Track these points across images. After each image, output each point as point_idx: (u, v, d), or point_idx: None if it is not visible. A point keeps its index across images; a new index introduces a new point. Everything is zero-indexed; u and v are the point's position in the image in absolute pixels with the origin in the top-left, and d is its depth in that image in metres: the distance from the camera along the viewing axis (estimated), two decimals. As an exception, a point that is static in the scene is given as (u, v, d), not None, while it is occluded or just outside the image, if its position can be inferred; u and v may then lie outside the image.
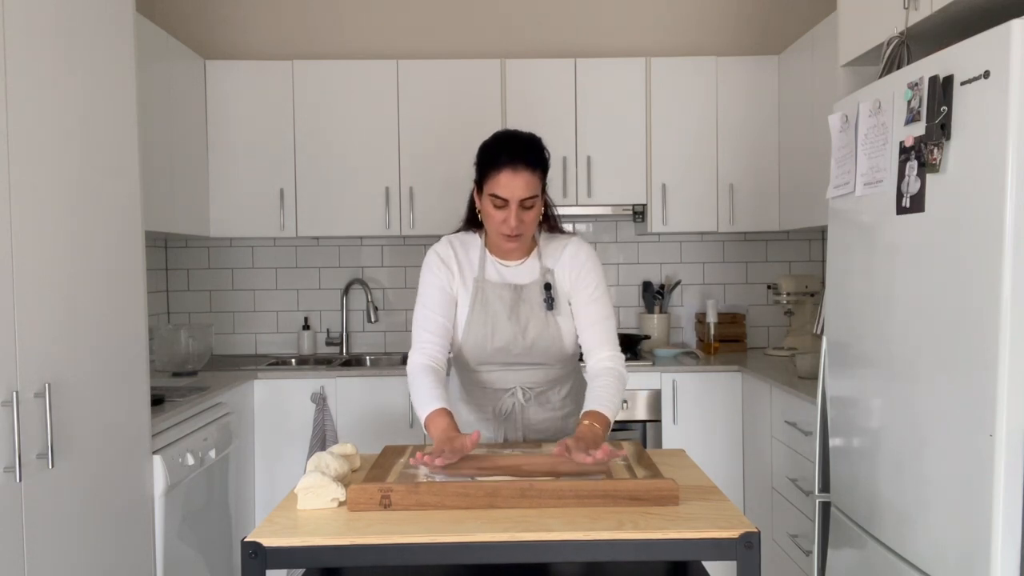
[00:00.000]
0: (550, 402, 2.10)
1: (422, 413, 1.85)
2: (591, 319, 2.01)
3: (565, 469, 1.65)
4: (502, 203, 1.90)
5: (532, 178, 1.90)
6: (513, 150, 1.91)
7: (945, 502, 1.79)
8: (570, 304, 2.03)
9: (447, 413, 1.82)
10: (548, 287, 2.00)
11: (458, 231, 2.11)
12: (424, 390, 1.88)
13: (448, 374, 2.06)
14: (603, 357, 1.99)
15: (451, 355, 2.10)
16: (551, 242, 2.07)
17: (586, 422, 1.81)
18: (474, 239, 2.07)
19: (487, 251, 2.05)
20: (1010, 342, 1.60)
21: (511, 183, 1.89)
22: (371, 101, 3.72)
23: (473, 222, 2.08)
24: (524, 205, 1.91)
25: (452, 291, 2.02)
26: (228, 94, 3.72)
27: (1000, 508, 1.62)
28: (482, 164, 1.96)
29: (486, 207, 1.94)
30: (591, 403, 1.89)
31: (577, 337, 2.04)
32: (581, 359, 2.16)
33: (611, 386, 1.92)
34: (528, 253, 2.06)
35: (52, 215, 1.92)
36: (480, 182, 1.97)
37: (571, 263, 2.02)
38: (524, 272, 2.04)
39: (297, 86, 3.72)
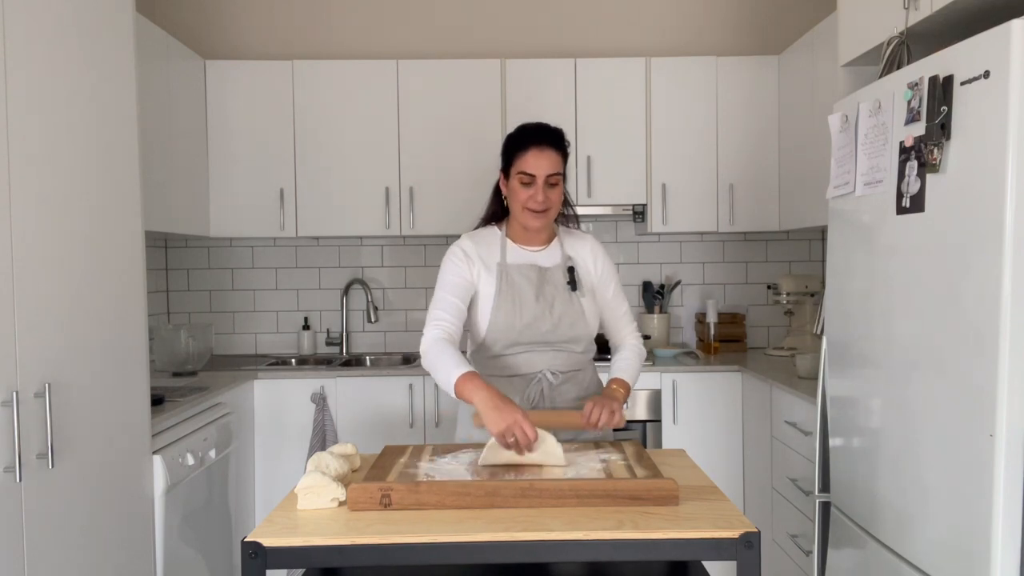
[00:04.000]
0: (580, 385, 2.16)
1: (451, 378, 1.87)
2: (617, 314, 2.21)
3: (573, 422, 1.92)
4: (529, 179, 2.05)
5: (556, 157, 2.07)
6: (540, 133, 2.09)
7: (945, 502, 1.79)
8: (594, 295, 2.17)
9: (478, 375, 1.86)
10: (571, 270, 2.12)
11: (477, 228, 2.23)
12: (447, 358, 1.92)
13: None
14: (627, 334, 2.22)
15: (473, 349, 2.17)
16: (570, 236, 2.21)
17: (613, 386, 2.07)
18: (493, 231, 2.19)
19: (508, 240, 2.16)
20: (1010, 342, 1.60)
21: (538, 160, 2.05)
22: (371, 101, 3.72)
23: (494, 217, 2.21)
24: (549, 182, 2.05)
25: (472, 280, 2.10)
26: (228, 94, 3.72)
27: (1000, 508, 1.62)
28: (509, 148, 2.11)
29: (514, 188, 2.08)
30: (616, 371, 2.13)
31: (596, 320, 2.17)
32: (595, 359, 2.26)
33: (632, 359, 2.16)
34: (549, 241, 2.18)
35: (52, 215, 1.92)
36: (507, 166, 2.11)
37: (594, 261, 2.18)
38: (546, 256, 2.16)
39: (297, 86, 3.72)
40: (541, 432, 1.75)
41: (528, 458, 1.74)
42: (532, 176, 2.04)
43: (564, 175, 2.10)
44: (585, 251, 2.18)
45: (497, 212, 2.21)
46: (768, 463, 3.20)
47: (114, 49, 2.23)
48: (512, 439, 1.72)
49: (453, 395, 1.89)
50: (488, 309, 2.09)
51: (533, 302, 2.08)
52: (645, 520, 1.46)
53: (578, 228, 2.27)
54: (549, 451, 1.76)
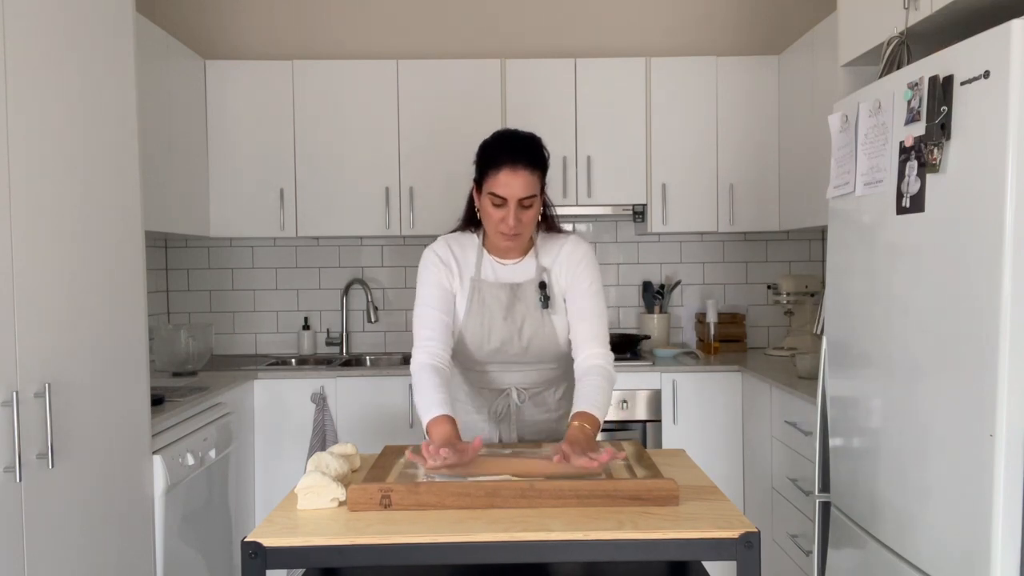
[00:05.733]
0: (545, 403, 2.11)
1: (425, 417, 1.82)
2: (584, 314, 1.99)
3: (563, 472, 1.63)
4: (501, 202, 1.90)
5: (531, 178, 1.90)
6: (513, 150, 1.91)
7: (945, 502, 1.79)
8: (565, 301, 2.02)
9: (450, 420, 1.79)
10: (543, 286, 2.00)
11: (455, 231, 2.11)
12: (428, 393, 1.85)
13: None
14: (592, 354, 1.95)
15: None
16: (549, 241, 2.06)
17: (576, 423, 1.80)
18: (471, 239, 2.07)
19: (484, 250, 2.05)
20: (1010, 342, 1.60)
21: (510, 183, 1.88)
22: (371, 101, 3.72)
23: (471, 221, 2.07)
24: (523, 204, 1.91)
25: (451, 288, 2.01)
26: (228, 94, 3.72)
27: (1000, 508, 1.62)
28: (482, 163, 1.96)
29: (485, 206, 1.94)
30: (581, 403, 1.86)
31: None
32: None
33: (600, 386, 1.89)
34: (525, 252, 2.05)
35: (52, 215, 1.92)
36: (479, 181, 1.97)
37: (568, 260, 2.02)
38: (520, 271, 2.03)
39: (297, 86, 3.72)
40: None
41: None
42: (504, 199, 1.89)
43: (543, 186, 1.96)
44: (563, 254, 2.03)
45: (472, 220, 2.06)
46: (768, 463, 3.20)
47: (114, 49, 2.23)
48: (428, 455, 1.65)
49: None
50: (459, 321, 2.01)
51: (501, 324, 1.98)
52: (645, 520, 1.46)
53: (559, 231, 2.09)
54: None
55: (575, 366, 1.98)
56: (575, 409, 1.86)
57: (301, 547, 1.42)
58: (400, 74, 3.72)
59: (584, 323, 1.98)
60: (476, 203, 2.00)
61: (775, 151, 3.75)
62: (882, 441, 2.05)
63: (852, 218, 2.23)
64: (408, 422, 3.46)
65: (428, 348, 1.94)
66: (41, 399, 1.83)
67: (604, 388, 1.89)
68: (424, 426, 1.82)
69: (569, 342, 2.02)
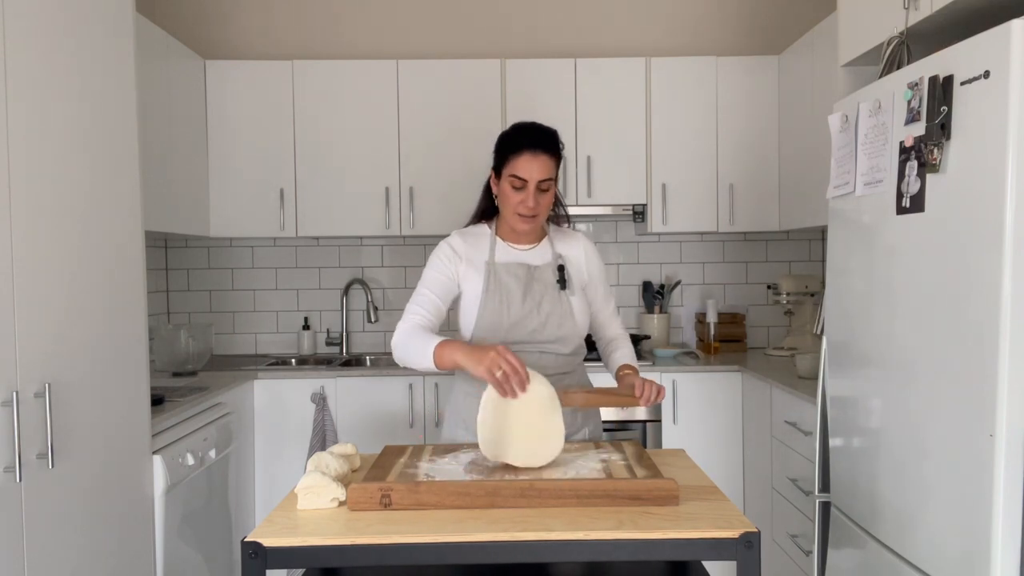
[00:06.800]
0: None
1: (427, 349, 1.88)
2: (606, 316, 2.23)
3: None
4: (521, 184, 2.01)
5: (550, 162, 2.03)
6: (534, 136, 2.04)
7: (945, 502, 1.79)
8: (584, 294, 2.15)
9: (455, 340, 1.88)
10: (561, 268, 2.10)
11: (467, 225, 2.20)
12: (421, 337, 1.93)
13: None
14: (616, 327, 2.24)
15: None
16: (560, 234, 2.19)
17: (628, 371, 2.08)
18: (484, 229, 2.16)
19: (497, 238, 2.14)
20: (1010, 342, 1.60)
21: (531, 164, 2.00)
22: (371, 101, 3.72)
23: (485, 214, 2.18)
24: (541, 187, 2.02)
25: (456, 280, 2.09)
26: (228, 94, 3.72)
27: (1000, 508, 1.62)
28: (502, 149, 2.07)
29: (504, 190, 2.04)
30: (623, 359, 2.15)
31: (586, 320, 2.16)
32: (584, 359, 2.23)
33: (631, 349, 2.20)
34: (539, 240, 2.16)
35: (52, 215, 1.92)
36: (499, 166, 2.07)
37: (586, 260, 2.17)
38: (536, 255, 2.13)
39: (297, 86, 3.72)
40: (531, 373, 1.74)
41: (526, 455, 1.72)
42: (524, 181, 2.00)
43: (556, 178, 2.07)
44: (577, 250, 2.16)
45: (487, 210, 2.17)
46: (768, 463, 3.20)
47: (114, 49, 2.23)
48: (500, 372, 1.69)
49: (434, 367, 1.88)
50: (475, 308, 2.07)
51: (520, 300, 2.05)
52: (645, 520, 1.46)
53: (570, 227, 2.25)
54: (540, 397, 1.74)
55: (602, 342, 2.24)
56: (620, 362, 2.13)
57: (301, 547, 1.42)
58: (400, 74, 3.72)
59: (608, 322, 2.24)
60: (494, 190, 2.11)
61: (775, 151, 3.75)
62: (882, 441, 2.06)
63: (852, 218, 2.23)
64: (408, 422, 3.47)
65: (414, 319, 2.02)
66: (41, 399, 1.83)
67: (633, 352, 2.19)
68: (431, 357, 1.87)
69: (584, 325, 2.15)
